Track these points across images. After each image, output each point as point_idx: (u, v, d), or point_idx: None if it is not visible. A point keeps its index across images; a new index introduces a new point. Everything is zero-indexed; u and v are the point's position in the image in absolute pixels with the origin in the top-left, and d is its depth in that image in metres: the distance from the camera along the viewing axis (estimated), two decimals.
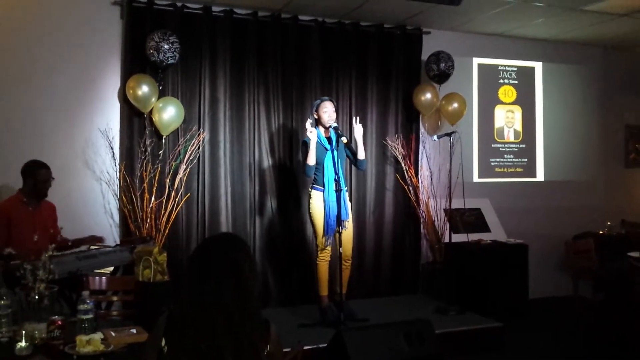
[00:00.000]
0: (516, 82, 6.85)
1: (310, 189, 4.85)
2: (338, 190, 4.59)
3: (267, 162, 5.57)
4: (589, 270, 5.38)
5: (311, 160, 4.66)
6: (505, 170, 6.78)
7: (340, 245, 4.55)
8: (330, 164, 4.68)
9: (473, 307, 5.26)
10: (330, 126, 4.73)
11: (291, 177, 5.63)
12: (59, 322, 2.46)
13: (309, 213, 4.83)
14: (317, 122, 4.81)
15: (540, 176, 6.93)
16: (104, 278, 3.66)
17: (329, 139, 4.77)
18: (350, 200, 5.27)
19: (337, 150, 4.72)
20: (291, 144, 5.64)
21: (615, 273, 4.95)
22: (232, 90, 5.45)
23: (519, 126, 6.86)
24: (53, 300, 2.69)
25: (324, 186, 4.70)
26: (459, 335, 4.70)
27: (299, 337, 4.00)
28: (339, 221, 4.55)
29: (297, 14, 5.62)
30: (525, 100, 6.89)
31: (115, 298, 3.74)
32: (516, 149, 6.84)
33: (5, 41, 4.85)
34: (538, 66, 6.94)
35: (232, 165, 5.45)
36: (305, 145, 4.74)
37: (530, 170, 6.90)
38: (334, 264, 4.77)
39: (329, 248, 4.79)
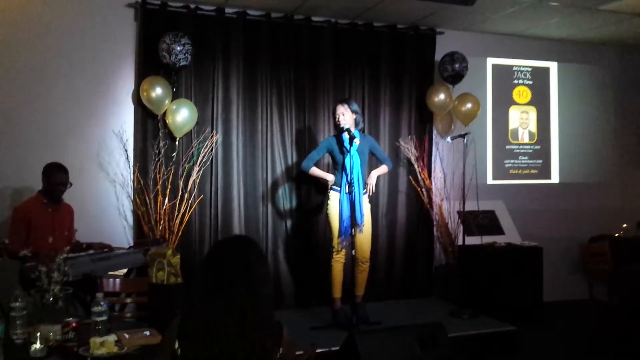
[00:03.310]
0: (531, 82, 6.80)
1: (329, 190, 4.84)
2: (350, 192, 4.58)
3: (279, 163, 5.57)
4: (604, 273, 5.32)
5: (313, 172, 4.90)
6: (520, 172, 6.72)
7: (353, 248, 4.54)
8: (348, 165, 4.66)
9: (487, 310, 5.21)
10: (345, 129, 4.70)
11: (304, 179, 5.62)
12: (74, 324, 2.46)
13: (327, 214, 4.83)
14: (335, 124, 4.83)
15: (555, 178, 6.86)
16: (117, 280, 3.67)
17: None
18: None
19: (350, 153, 4.69)
20: (304, 145, 5.64)
21: (631, 276, 4.88)
22: (245, 91, 5.46)
23: (533, 127, 6.81)
24: (67, 302, 2.70)
25: (341, 187, 4.70)
26: (473, 339, 4.66)
27: (311, 339, 4.01)
28: (353, 223, 4.53)
29: (310, 15, 5.62)
30: (540, 101, 6.83)
31: (128, 300, 3.74)
32: (531, 151, 6.78)
33: (19, 44, 4.91)
34: (553, 66, 6.88)
35: (245, 167, 5.46)
36: (324, 142, 4.91)
37: (545, 172, 6.84)
38: (349, 266, 4.76)
39: (344, 250, 4.77)
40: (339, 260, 4.80)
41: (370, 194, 4.88)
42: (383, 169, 4.98)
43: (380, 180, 5.84)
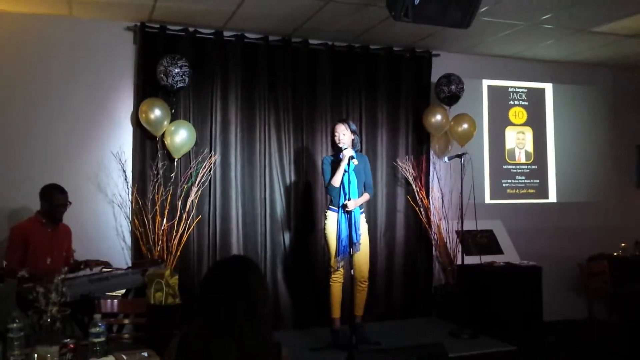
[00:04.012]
0: (526, 103, 6.85)
1: (326, 210, 4.85)
2: (348, 212, 4.59)
3: (278, 183, 5.58)
4: (603, 292, 5.31)
5: (337, 181, 4.67)
6: (517, 191, 6.74)
7: (351, 267, 4.54)
8: (342, 186, 4.69)
9: (487, 330, 5.19)
10: (342, 148, 4.74)
11: (303, 198, 5.64)
12: (71, 345, 2.45)
13: (324, 233, 4.83)
14: (333, 144, 4.85)
15: (552, 197, 6.88)
16: (115, 301, 3.66)
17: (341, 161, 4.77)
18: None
19: (349, 173, 4.71)
20: (302, 165, 5.66)
21: (630, 295, 4.88)
22: (243, 113, 5.50)
23: (530, 147, 6.85)
24: (65, 323, 2.69)
25: (338, 207, 4.70)
26: (473, 359, 4.63)
27: None
28: (351, 243, 4.54)
29: (307, 38, 5.68)
30: (536, 122, 6.88)
31: (126, 321, 3.73)
32: (528, 170, 6.81)
33: (19, 65, 4.95)
34: (548, 87, 6.95)
35: (244, 187, 5.47)
36: (327, 164, 4.81)
37: (543, 192, 6.86)
38: (348, 286, 4.74)
39: (342, 270, 4.77)
40: (337, 280, 4.79)
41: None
42: (366, 197, 4.89)
43: (378, 200, 5.86)
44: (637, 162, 7.30)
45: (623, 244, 6.56)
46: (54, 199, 4.21)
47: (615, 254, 6.45)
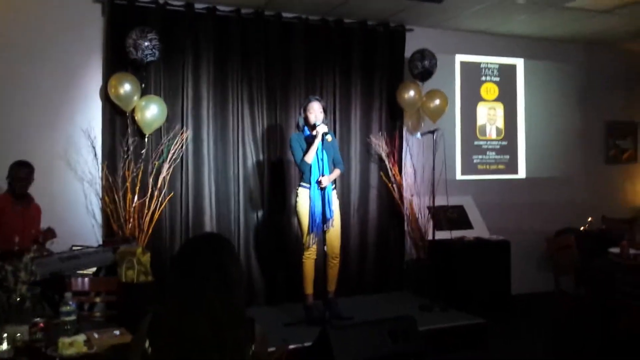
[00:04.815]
0: (498, 79, 6.90)
1: (297, 187, 4.85)
2: (322, 189, 4.60)
3: (251, 160, 5.55)
4: (570, 265, 5.43)
5: (310, 157, 4.65)
6: (488, 167, 6.82)
7: (325, 244, 4.56)
8: (315, 162, 4.69)
9: (457, 303, 5.29)
10: (315, 125, 4.73)
11: (276, 175, 5.62)
12: (41, 324, 2.43)
13: (296, 210, 4.83)
14: (305, 121, 4.82)
15: (522, 173, 6.98)
16: (86, 279, 3.63)
17: (315, 138, 4.76)
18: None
19: (323, 150, 4.71)
20: (276, 141, 5.63)
21: (596, 268, 5.01)
22: (215, 87, 5.42)
23: (500, 123, 6.92)
24: (35, 302, 2.67)
25: (310, 184, 4.70)
26: (443, 332, 4.72)
27: (284, 335, 4.01)
28: (324, 219, 4.56)
29: (280, 11, 5.60)
30: (507, 98, 6.94)
31: (98, 299, 3.70)
32: (498, 147, 6.89)
33: None
34: (520, 63, 7.00)
35: (216, 163, 5.43)
36: (297, 141, 4.76)
37: (513, 167, 6.95)
38: (321, 262, 4.77)
39: (314, 246, 4.79)
40: (309, 256, 4.81)
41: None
42: (337, 172, 4.90)
43: (351, 177, 5.88)
44: (606, 138, 7.45)
45: (590, 219, 6.71)
46: (15, 172, 4.24)
47: (582, 228, 6.60)
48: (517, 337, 5.10)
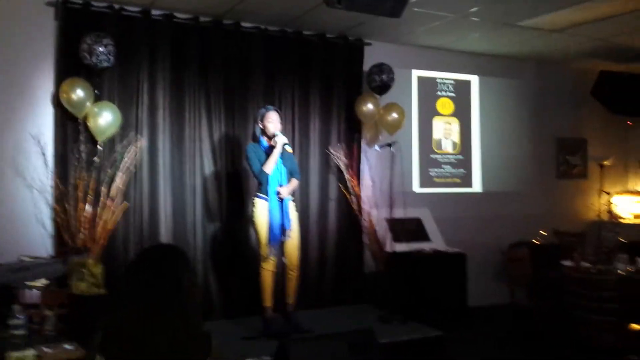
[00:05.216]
0: (453, 94, 7.02)
1: (254, 197, 4.78)
2: (280, 200, 4.56)
3: (208, 169, 5.45)
4: (524, 278, 5.54)
5: (270, 168, 4.60)
6: (444, 180, 6.91)
7: (283, 255, 4.51)
8: (275, 173, 4.64)
9: (415, 315, 5.31)
10: (274, 135, 4.69)
11: (234, 185, 5.54)
12: None
13: (252, 221, 4.76)
14: (262, 132, 4.77)
15: (477, 187, 7.10)
16: (36, 291, 3.47)
17: (273, 148, 4.72)
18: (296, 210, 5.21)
19: (281, 160, 4.68)
20: (233, 152, 5.56)
21: (548, 281, 5.11)
22: (171, 95, 5.32)
23: (456, 138, 7.03)
24: None
25: (267, 195, 4.65)
26: (402, 345, 4.73)
27: (242, 349, 3.93)
28: (283, 230, 4.51)
29: (239, 20, 5.56)
30: (462, 113, 7.06)
31: (49, 312, 3.54)
32: (454, 160, 6.99)
33: None
34: (474, 79, 7.15)
35: (173, 173, 5.31)
36: (254, 152, 4.69)
37: (468, 181, 7.07)
38: (280, 275, 4.71)
39: (273, 258, 4.73)
40: (268, 268, 4.74)
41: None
42: (294, 183, 4.89)
43: (310, 188, 5.85)
44: (557, 154, 7.66)
45: (542, 232, 6.86)
46: None
47: (534, 241, 6.74)
48: (474, 349, 5.15)
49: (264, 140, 4.74)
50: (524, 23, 5.73)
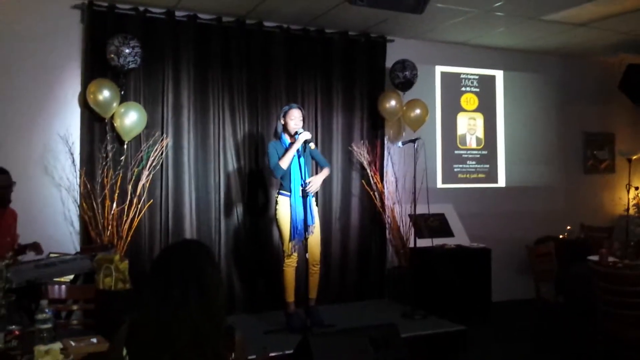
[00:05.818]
0: (478, 90, 6.97)
1: (277, 195, 4.83)
2: (304, 196, 4.59)
3: (232, 167, 5.53)
4: (549, 273, 5.48)
5: (285, 162, 4.63)
6: (468, 176, 6.87)
7: (306, 251, 4.54)
8: (297, 169, 4.68)
9: (438, 310, 5.30)
10: (296, 132, 4.72)
11: (257, 183, 5.61)
12: (17, 332, 2.38)
13: (276, 219, 4.81)
14: (284, 129, 4.80)
15: (502, 182, 7.05)
16: (63, 286, 3.56)
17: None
18: (317, 205, 5.25)
19: (303, 157, 4.72)
20: (257, 149, 5.62)
21: (575, 276, 5.05)
22: (196, 95, 5.40)
23: (480, 133, 6.98)
24: (11, 310, 2.61)
25: (290, 191, 4.69)
26: (424, 339, 4.72)
27: (265, 343, 3.99)
28: (306, 227, 4.55)
29: (261, 20, 5.61)
30: (486, 108, 7.01)
31: (75, 307, 3.64)
32: (478, 156, 6.95)
33: None
34: (499, 74, 7.08)
35: (197, 171, 5.40)
36: (274, 148, 4.72)
37: (492, 177, 7.01)
38: (302, 270, 4.76)
39: (295, 254, 4.77)
40: (290, 264, 4.79)
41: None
42: (325, 172, 4.89)
43: (333, 184, 5.89)
44: (584, 148, 7.55)
45: (569, 227, 6.79)
46: None
47: (561, 236, 6.67)
48: (497, 344, 5.12)
49: (286, 138, 4.78)
50: (549, 17, 5.66)
